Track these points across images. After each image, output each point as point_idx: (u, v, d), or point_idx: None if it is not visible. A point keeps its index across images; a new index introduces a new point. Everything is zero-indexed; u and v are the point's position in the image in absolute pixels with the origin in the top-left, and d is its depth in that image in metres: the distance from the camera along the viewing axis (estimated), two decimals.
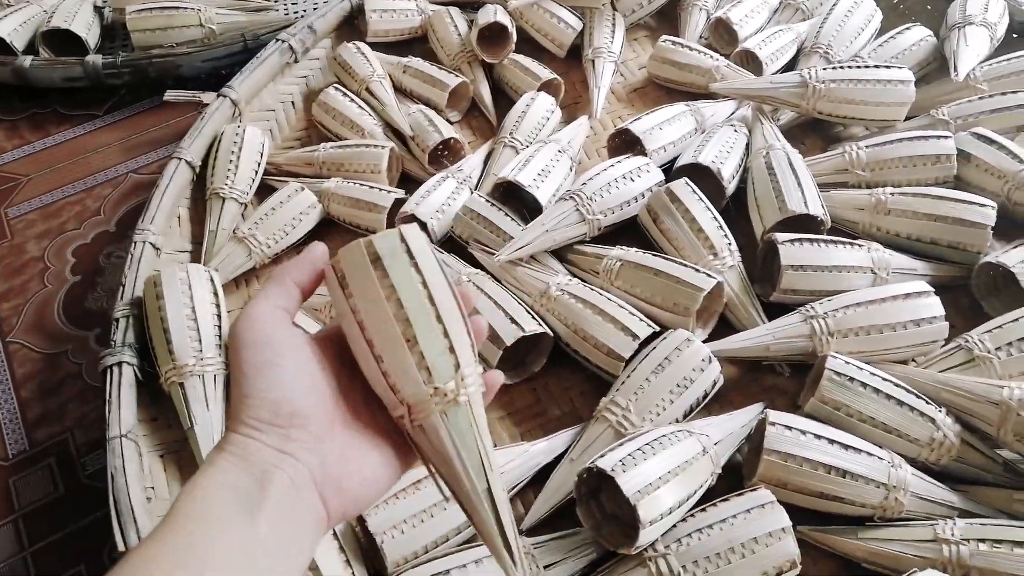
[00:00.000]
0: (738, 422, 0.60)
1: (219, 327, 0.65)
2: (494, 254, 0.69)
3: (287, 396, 0.35)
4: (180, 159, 0.76)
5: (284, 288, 0.38)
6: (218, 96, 0.82)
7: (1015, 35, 0.88)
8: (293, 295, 0.39)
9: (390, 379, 0.37)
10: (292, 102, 0.89)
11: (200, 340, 0.62)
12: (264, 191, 0.79)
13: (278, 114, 0.87)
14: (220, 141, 0.79)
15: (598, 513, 0.56)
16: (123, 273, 0.68)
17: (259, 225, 0.73)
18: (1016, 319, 0.61)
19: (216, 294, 0.66)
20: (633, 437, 0.55)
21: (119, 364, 0.62)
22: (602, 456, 0.53)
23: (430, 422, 0.36)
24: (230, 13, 0.96)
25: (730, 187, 0.74)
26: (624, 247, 0.70)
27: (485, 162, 0.81)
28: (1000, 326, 0.62)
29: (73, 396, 0.70)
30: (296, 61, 0.88)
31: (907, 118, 0.79)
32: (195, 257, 0.75)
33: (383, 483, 0.38)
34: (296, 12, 1.04)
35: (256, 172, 0.78)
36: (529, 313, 0.65)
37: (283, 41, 0.87)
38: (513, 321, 0.63)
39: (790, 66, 0.88)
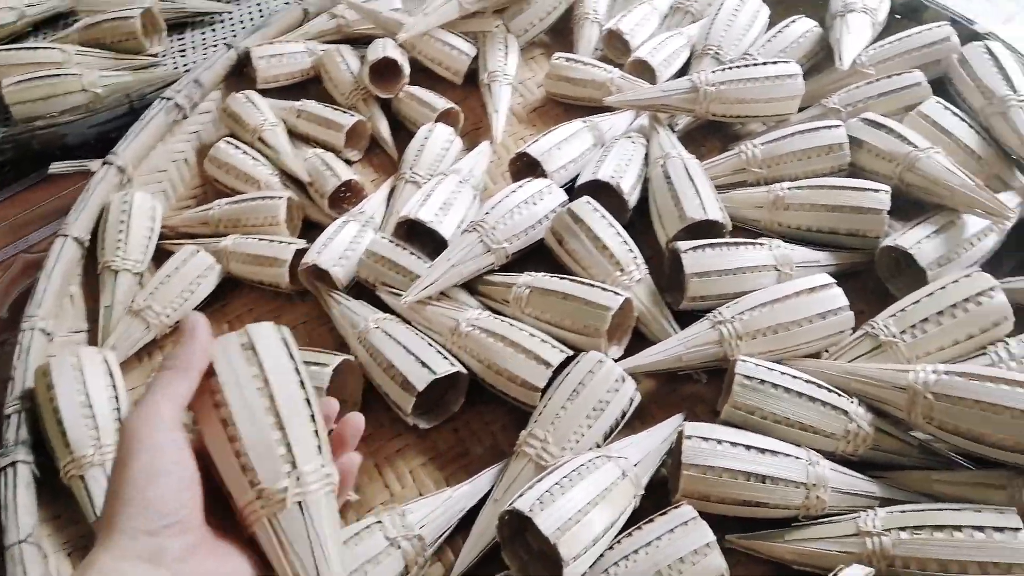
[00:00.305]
0: (658, 438, 0.59)
1: (118, 410, 0.63)
2: (402, 296, 0.68)
3: (174, 507, 0.34)
4: (66, 236, 0.73)
5: (188, 379, 0.36)
6: (103, 164, 0.79)
7: (898, 16, 0.89)
8: (195, 385, 0.37)
9: (243, 460, 0.35)
10: (185, 159, 0.86)
11: (98, 428, 0.60)
12: (164, 256, 0.76)
13: (171, 174, 0.85)
14: (108, 211, 0.76)
15: (524, 553, 0.55)
16: (12, 365, 0.65)
17: (155, 295, 0.71)
18: (916, 301, 0.62)
19: (112, 375, 0.64)
20: (552, 470, 0.54)
21: (13, 464, 0.59)
22: (520, 496, 0.52)
23: (280, 515, 0.35)
24: (114, 74, 0.94)
25: (632, 199, 0.74)
26: (532, 272, 0.69)
27: (388, 200, 0.80)
28: (903, 309, 0.62)
29: None
30: (185, 117, 0.86)
31: (801, 109, 0.80)
32: (93, 336, 0.72)
33: None
34: (185, 65, 1.01)
35: (149, 239, 0.76)
36: (440, 353, 0.64)
37: (168, 99, 0.84)
38: (424, 364, 0.62)
39: (685, 70, 0.89)
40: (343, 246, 0.73)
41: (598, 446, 0.59)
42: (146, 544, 0.33)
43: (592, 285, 0.65)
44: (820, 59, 0.88)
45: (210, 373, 0.36)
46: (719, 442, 0.56)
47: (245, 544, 0.37)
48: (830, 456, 0.57)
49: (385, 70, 0.87)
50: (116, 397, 0.63)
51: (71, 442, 0.59)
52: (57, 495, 0.61)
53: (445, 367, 0.62)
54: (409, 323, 0.68)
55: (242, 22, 1.08)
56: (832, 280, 0.63)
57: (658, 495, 0.58)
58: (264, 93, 0.88)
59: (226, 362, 0.36)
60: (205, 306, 0.74)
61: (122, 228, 0.74)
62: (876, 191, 0.68)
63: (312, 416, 0.37)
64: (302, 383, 0.37)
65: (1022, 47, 0.81)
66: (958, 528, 0.50)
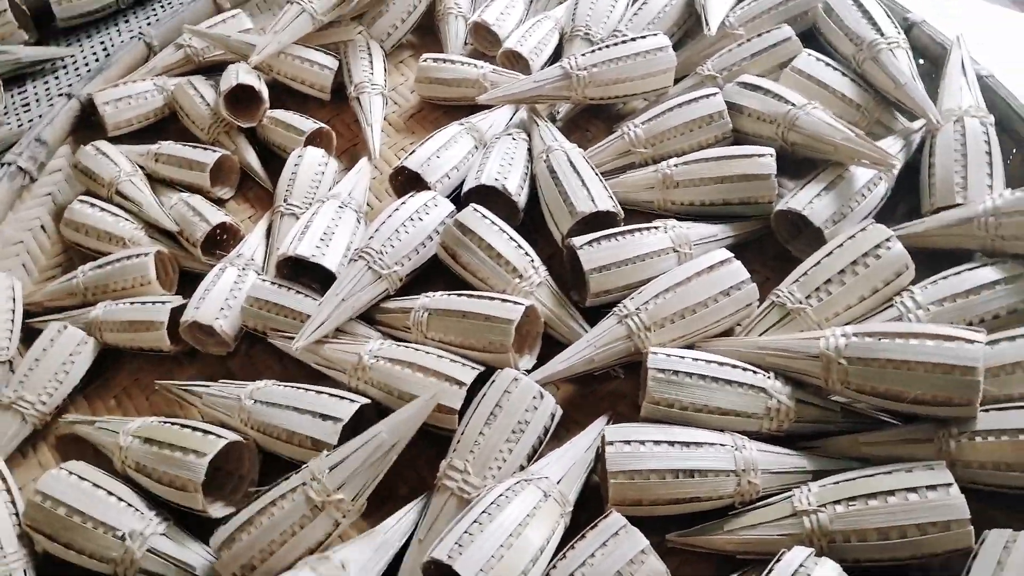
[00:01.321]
0: (580, 447, 0.57)
1: (16, 515, 0.58)
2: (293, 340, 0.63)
3: None
4: None
5: None
6: None
7: None
8: None
9: None
10: (42, 226, 0.79)
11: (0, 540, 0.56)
12: (34, 336, 0.70)
13: (28, 244, 0.77)
14: None
15: None
16: None
17: (25, 382, 0.65)
18: (817, 263, 0.61)
19: (5, 479, 0.59)
20: (471, 507, 0.51)
21: None
22: (440, 541, 0.49)
23: None
24: None
25: (521, 199, 0.71)
26: (431, 293, 0.65)
27: (267, 237, 0.75)
28: (805, 273, 0.61)
29: None
30: (33, 180, 0.79)
31: (677, 80, 0.78)
32: None
33: None
34: (30, 120, 0.93)
35: (12, 321, 0.69)
36: (335, 396, 0.60)
37: (10, 164, 0.77)
38: (326, 417, 0.58)
39: (557, 53, 0.86)
40: (223, 295, 0.68)
41: (522, 468, 0.56)
42: None
43: (491, 299, 0.62)
44: (690, 25, 0.86)
45: None
46: (642, 443, 0.54)
47: None
48: (756, 436, 0.56)
49: (243, 97, 0.82)
50: (12, 502, 0.59)
51: None
52: None
53: (348, 409, 0.58)
54: (282, 382, 0.63)
55: (87, 65, 0.99)
56: (730, 255, 0.61)
57: (593, 504, 0.56)
58: (116, 140, 0.81)
59: None
60: (86, 384, 0.68)
61: None
62: (761, 156, 0.67)
63: None
64: None
65: None
66: (891, 493, 0.49)
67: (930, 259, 0.63)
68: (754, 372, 0.57)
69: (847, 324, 0.58)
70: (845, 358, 0.54)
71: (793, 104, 0.69)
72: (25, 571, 0.56)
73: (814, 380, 0.56)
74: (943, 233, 0.64)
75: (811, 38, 0.80)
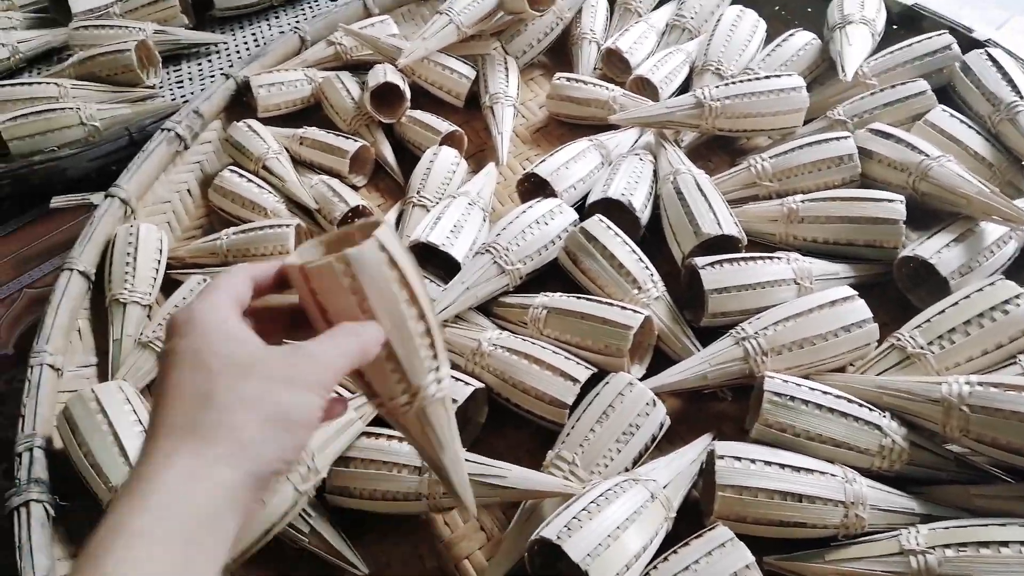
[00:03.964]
0: (687, 459, 0.58)
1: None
2: None
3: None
4: (72, 270, 0.72)
5: (235, 282, 0.37)
6: (106, 197, 0.78)
7: (895, 26, 0.89)
8: (245, 289, 0.37)
9: (403, 366, 0.39)
10: (188, 190, 0.85)
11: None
12: (172, 286, 0.75)
13: (175, 205, 0.83)
14: (114, 244, 0.75)
15: None
16: (22, 402, 0.63)
17: (164, 326, 0.69)
18: (941, 311, 0.61)
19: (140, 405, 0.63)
20: (581, 495, 0.53)
21: (27, 504, 0.57)
22: (548, 523, 0.51)
23: (433, 408, 0.41)
24: (113, 107, 0.92)
25: (644, 216, 0.73)
26: (548, 293, 0.68)
27: (397, 224, 0.79)
28: (928, 320, 0.61)
29: None
30: (186, 148, 0.85)
31: (805, 122, 0.79)
32: (103, 370, 0.70)
33: None
34: (183, 96, 1.00)
35: (157, 270, 0.74)
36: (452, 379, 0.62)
37: (169, 130, 0.83)
38: None
39: (685, 85, 0.89)
40: None
41: (626, 470, 0.58)
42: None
43: (611, 304, 0.64)
44: (821, 71, 0.88)
45: (359, 288, 0.37)
46: (752, 461, 0.54)
47: None
48: (865, 472, 0.56)
49: (386, 95, 0.86)
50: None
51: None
52: (73, 534, 0.59)
53: (463, 391, 0.61)
54: None
55: (238, 52, 1.07)
56: (854, 292, 0.62)
57: (691, 518, 0.57)
58: (264, 122, 0.87)
59: (369, 273, 0.37)
60: None
61: (129, 260, 0.73)
62: (891, 201, 0.68)
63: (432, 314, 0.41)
64: (423, 283, 0.40)
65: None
66: (1005, 544, 0.49)
67: None
68: (870, 409, 0.57)
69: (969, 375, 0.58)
70: (968, 405, 0.54)
71: (927, 155, 0.69)
72: None
73: (931, 425, 0.56)
74: None
75: (943, 94, 0.80)
